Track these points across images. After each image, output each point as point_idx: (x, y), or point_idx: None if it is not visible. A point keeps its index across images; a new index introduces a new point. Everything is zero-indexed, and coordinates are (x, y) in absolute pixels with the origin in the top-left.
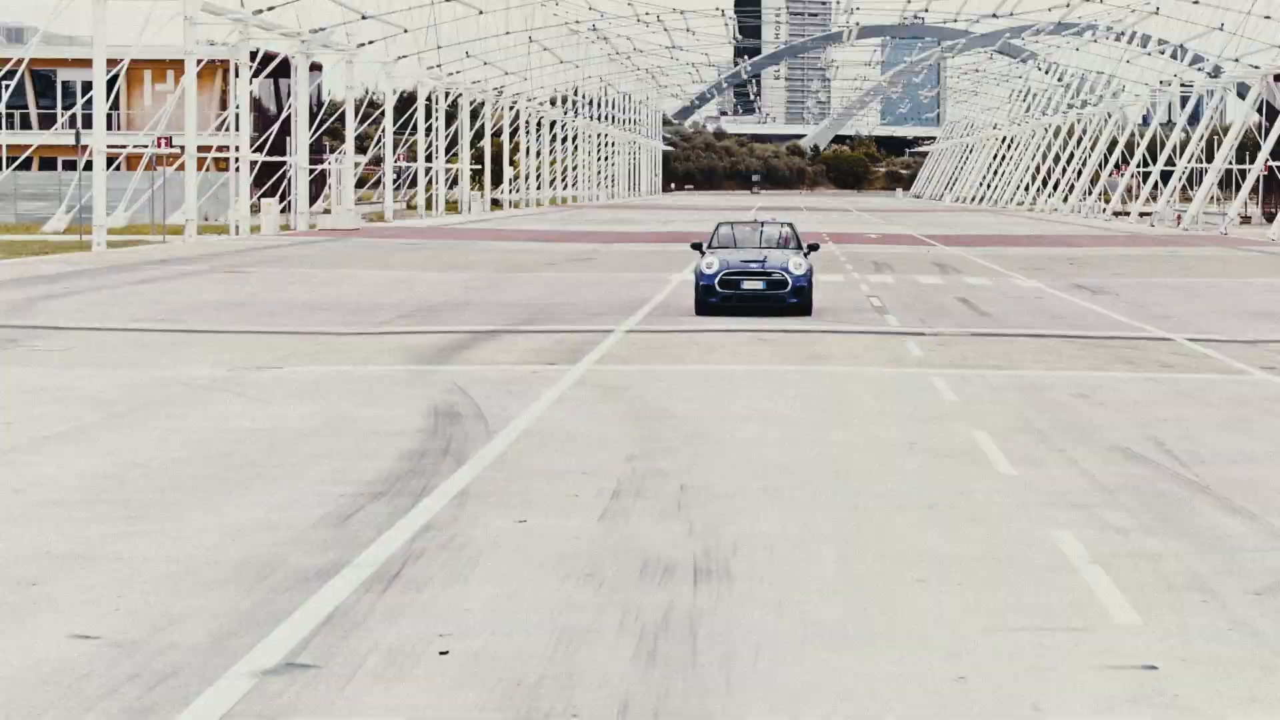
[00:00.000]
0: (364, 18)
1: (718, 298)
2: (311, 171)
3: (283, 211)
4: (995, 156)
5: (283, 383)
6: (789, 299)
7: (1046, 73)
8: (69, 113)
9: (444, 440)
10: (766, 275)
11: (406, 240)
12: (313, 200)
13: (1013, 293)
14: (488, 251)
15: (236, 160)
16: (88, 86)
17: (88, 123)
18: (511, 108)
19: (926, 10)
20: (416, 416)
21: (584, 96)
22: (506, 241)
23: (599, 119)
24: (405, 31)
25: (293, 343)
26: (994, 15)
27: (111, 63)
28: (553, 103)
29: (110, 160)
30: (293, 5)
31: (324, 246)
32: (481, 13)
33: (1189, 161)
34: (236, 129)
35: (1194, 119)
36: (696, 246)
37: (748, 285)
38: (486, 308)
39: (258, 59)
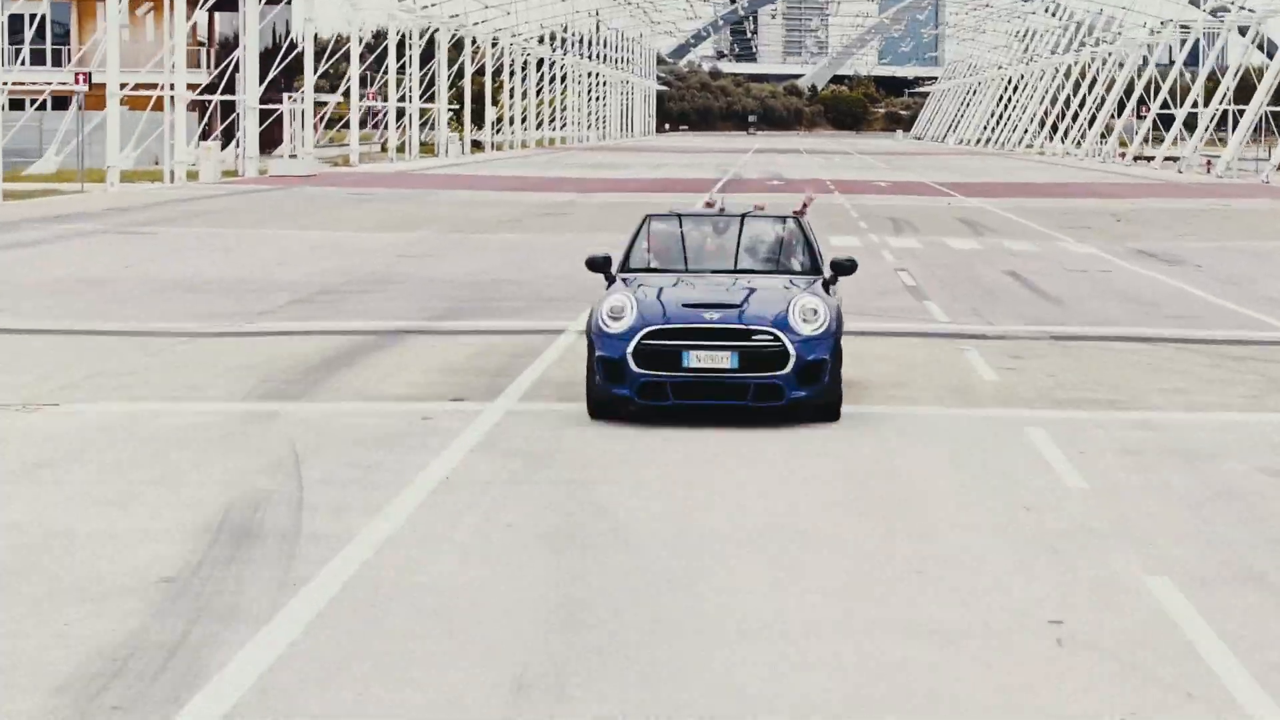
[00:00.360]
0: None
1: (631, 387)
2: (269, 113)
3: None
4: (999, 100)
5: (28, 443)
6: (790, 391)
7: (1054, 15)
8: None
9: (187, 617)
10: (740, 338)
11: (361, 190)
12: (279, 144)
13: (1069, 262)
14: (446, 204)
15: (173, 99)
16: (34, 21)
17: (37, 59)
18: (494, 45)
19: None
20: (180, 538)
21: (574, 34)
22: (473, 191)
23: (590, 58)
24: None
25: (115, 351)
26: None
27: None
28: (540, 40)
29: (27, 100)
30: None
31: (262, 197)
32: None
33: (1221, 103)
34: (172, 66)
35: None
36: (599, 267)
37: (699, 361)
38: (411, 287)
39: None
